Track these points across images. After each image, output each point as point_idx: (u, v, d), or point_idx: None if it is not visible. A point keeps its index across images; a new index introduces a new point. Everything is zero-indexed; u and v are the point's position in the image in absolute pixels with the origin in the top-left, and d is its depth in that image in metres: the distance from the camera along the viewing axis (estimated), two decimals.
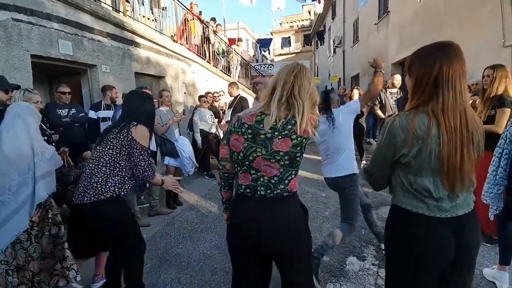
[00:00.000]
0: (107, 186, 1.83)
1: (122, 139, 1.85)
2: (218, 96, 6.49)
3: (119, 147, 1.85)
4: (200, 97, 5.72)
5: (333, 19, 18.25)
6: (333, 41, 17.59)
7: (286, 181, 1.27)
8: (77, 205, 1.86)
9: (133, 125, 1.89)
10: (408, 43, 8.58)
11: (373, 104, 5.35)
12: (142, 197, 4.26)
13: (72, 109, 4.09)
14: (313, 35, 22.88)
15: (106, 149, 1.85)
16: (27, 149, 1.78)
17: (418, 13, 7.95)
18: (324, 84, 20.09)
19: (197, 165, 4.51)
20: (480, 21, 5.46)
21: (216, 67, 8.91)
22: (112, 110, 4.17)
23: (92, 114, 4.29)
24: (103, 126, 4.24)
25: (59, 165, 2.03)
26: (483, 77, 2.64)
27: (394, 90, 5.39)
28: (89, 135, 4.43)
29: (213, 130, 5.55)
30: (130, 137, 1.85)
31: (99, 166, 1.84)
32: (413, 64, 1.20)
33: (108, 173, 1.84)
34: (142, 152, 1.87)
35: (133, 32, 5.24)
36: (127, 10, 5.87)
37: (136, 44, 5.33)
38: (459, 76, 1.09)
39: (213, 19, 9.11)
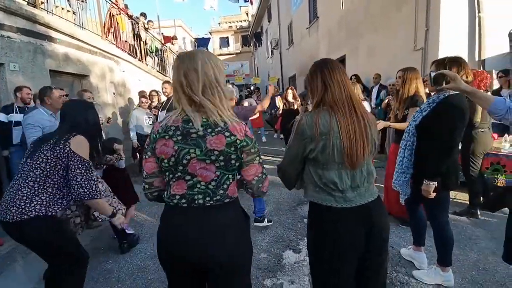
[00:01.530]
0: (32, 205, 1.63)
1: (58, 151, 1.67)
2: (155, 96, 6.07)
3: (54, 160, 1.67)
4: (141, 94, 5.37)
5: (269, 21, 18.84)
6: (270, 43, 18.18)
7: (225, 186, 1.17)
8: (1, 222, 1.66)
9: (72, 135, 1.73)
10: (336, 47, 9.31)
11: (307, 104, 5.65)
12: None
13: None
14: (251, 36, 23.29)
15: (38, 162, 1.67)
16: None
17: (342, 19, 8.67)
18: (264, 85, 20.64)
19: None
20: (394, 27, 6.17)
21: (152, 67, 8.42)
22: None
23: (2, 117, 3.72)
24: (15, 131, 3.70)
25: None
26: (396, 78, 2.96)
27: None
28: None
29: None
30: (68, 148, 1.68)
31: (27, 181, 1.66)
32: (306, 81, 1.45)
33: (36, 189, 1.65)
34: (79, 166, 1.68)
35: (47, 26, 4.61)
36: (42, 2, 5.15)
37: (51, 39, 4.71)
38: (339, 72, 1.31)
39: (143, 14, 8.57)
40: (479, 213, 3.15)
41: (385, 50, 6.62)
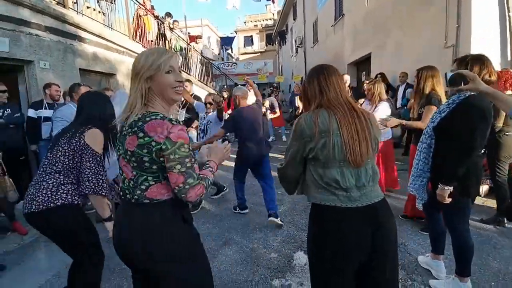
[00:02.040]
0: (59, 193, 1.67)
1: (74, 144, 1.71)
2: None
3: (71, 153, 1.71)
4: None
5: (294, 19, 18.65)
6: (295, 41, 17.99)
7: (143, 187, 1.14)
8: (25, 214, 1.68)
9: (87, 128, 1.75)
10: (362, 45, 9.03)
11: None
12: (90, 203, 4.01)
13: (7, 110, 3.75)
14: (276, 34, 23.19)
15: (58, 156, 1.71)
16: None
17: (368, 16, 8.38)
18: (288, 83, 20.48)
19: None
20: (423, 24, 5.89)
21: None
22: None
23: (31, 113, 3.98)
24: (45, 126, 3.95)
25: None
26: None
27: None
28: (28, 136, 4.09)
29: None
30: (83, 141, 1.71)
31: (51, 173, 1.70)
32: (304, 89, 1.44)
33: (62, 179, 1.70)
34: (90, 159, 1.70)
35: (77, 26, 4.89)
36: (74, 3, 5.47)
37: (81, 39, 4.99)
38: (335, 77, 1.33)
39: (168, 14, 8.80)
40: (506, 221, 2.93)
41: (412, 48, 6.32)
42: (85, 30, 5.06)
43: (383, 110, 3.51)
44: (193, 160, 1.15)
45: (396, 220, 3.14)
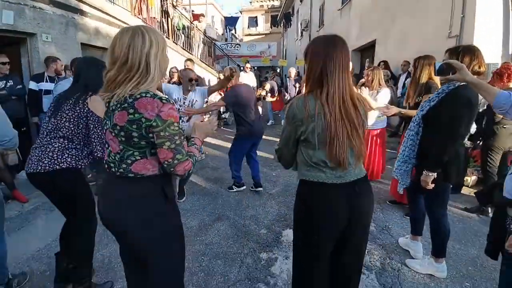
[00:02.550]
0: (64, 157, 1.74)
1: (79, 111, 1.75)
2: (175, 73, 6.21)
3: (76, 119, 1.75)
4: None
5: (301, 1, 18.18)
6: (301, 24, 17.63)
7: (129, 161, 1.19)
8: (29, 174, 1.75)
9: (88, 95, 1.78)
10: (367, 31, 8.90)
11: None
12: (89, 176, 4.13)
13: (10, 81, 3.79)
14: (281, 16, 22.66)
15: (62, 121, 1.75)
16: None
17: (376, 1, 8.22)
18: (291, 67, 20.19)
19: None
20: (429, 12, 5.81)
21: (176, 44, 8.57)
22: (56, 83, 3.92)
23: (33, 85, 4.01)
24: (45, 99, 4.01)
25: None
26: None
27: None
28: (30, 108, 4.15)
29: None
30: (87, 108, 1.75)
31: (56, 138, 1.75)
32: (307, 52, 1.34)
33: (66, 144, 1.76)
34: (97, 125, 1.77)
35: (79, 0, 4.85)
36: None
37: (82, 13, 4.95)
38: (339, 70, 1.25)
39: None
40: (490, 211, 3.05)
41: (417, 36, 6.25)
42: (86, 3, 5.01)
43: (384, 97, 3.57)
44: (182, 137, 1.22)
45: (383, 205, 3.31)
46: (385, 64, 6.74)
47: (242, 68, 9.44)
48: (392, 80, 6.56)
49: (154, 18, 7.51)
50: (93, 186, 3.86)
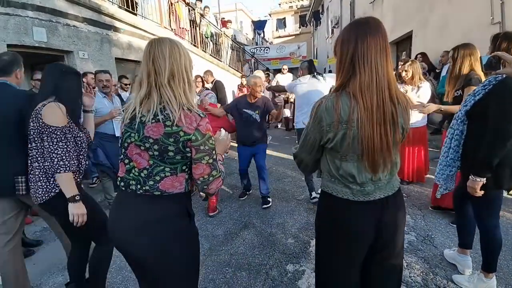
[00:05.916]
0: (51, 182, 1.61)
1: (37, 127, 1.57)
2: (199, 82, 6.28)
3: (39, 135, 1.57)
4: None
5: None
6: (331, 21, 17.13)
7: (157, 178, 1.11)
8: (38, 205, 1.69)
9: (43, 105, 1.57)
10: (402, 22, 8.34)
11: None
12: (93, 182, 4.29)
13: None
14: (310, 15, 22.24)
15: (31, 143, 1.61)
16: None
17: None
18: (323, 67, 19.70)
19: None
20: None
21: (205, 52, 8.74)
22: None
23: None
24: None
25: None
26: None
27: None
28: None
29: None
30: (41, 121, 1.55)
31: (33, 162, 1.62)
32: (336, 44, 1.16)
33: (43, 168, 1.61)
34: (48, 138, 1.54)
35: (112, 17, 5.12)
36: None
37: (115, 29, 5.23)
38: (375, 52, 1.04)
39: (200, 0, 8.86)
40: None
41: (458, 24, 5.69)
42: (119, 20, 5.29)
43: (426, 92, 3.28)
44: (216, 153, 1.19)
45: (425, 210, 2.99)
46: (423, 56, 6.23)
47: (268, 71, 9.30)
48: (432, 72, 6.04)
49: (184, 28, 7.73)
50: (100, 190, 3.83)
